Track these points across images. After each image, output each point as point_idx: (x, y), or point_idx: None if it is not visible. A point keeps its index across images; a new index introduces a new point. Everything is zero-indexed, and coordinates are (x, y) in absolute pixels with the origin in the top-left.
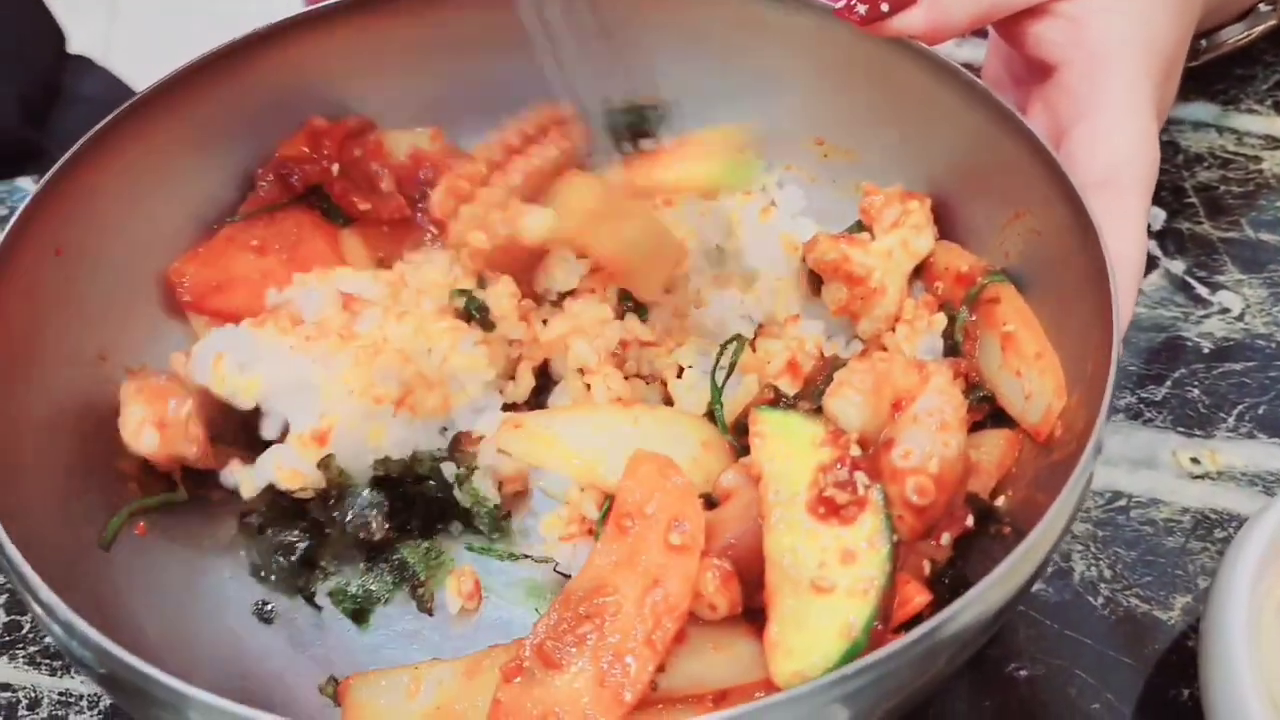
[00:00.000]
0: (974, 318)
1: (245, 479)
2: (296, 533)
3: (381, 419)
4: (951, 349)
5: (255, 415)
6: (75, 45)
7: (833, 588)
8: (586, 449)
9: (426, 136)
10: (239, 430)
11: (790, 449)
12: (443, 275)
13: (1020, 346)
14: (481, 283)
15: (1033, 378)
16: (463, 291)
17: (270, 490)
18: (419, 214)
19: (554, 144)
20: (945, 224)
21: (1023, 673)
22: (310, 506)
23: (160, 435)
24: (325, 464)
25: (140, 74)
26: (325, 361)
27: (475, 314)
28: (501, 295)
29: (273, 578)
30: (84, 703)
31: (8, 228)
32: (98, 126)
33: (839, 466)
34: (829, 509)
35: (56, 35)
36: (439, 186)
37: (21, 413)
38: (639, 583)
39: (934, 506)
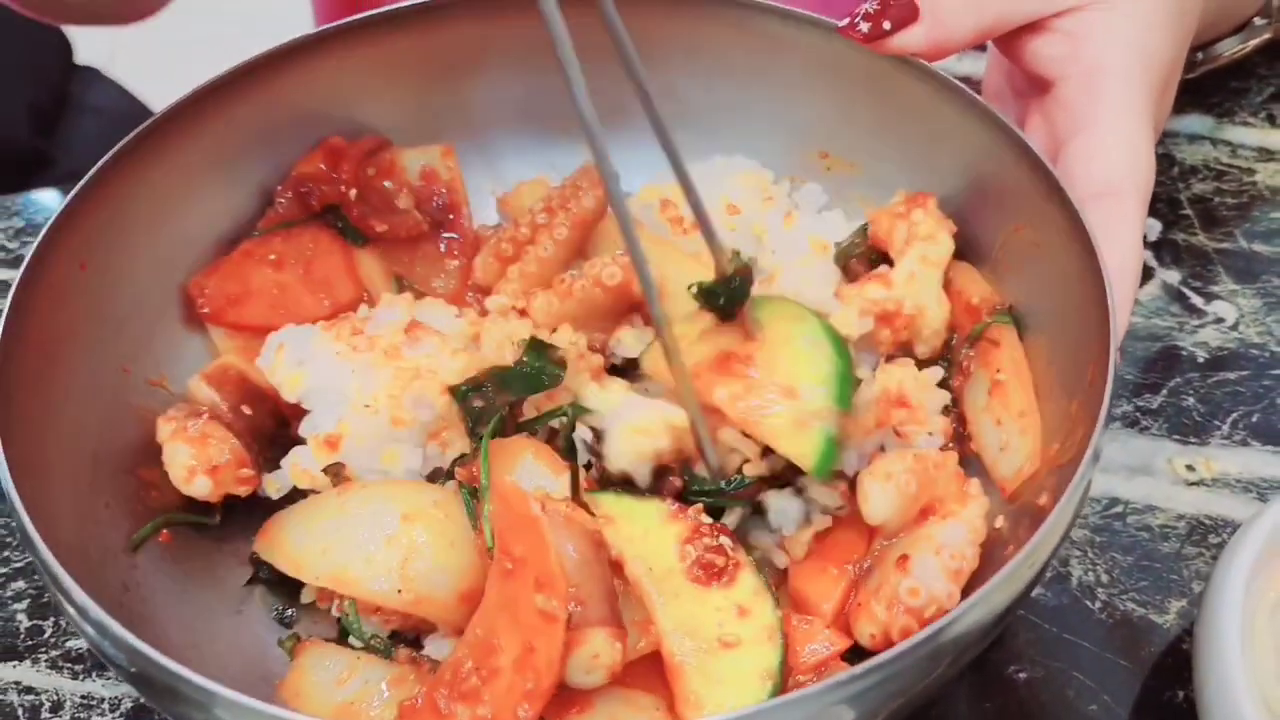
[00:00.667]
0: (972, 352)
1: (271, 481)
2: None
3: (401, 443)
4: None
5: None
6: (80, 56)
7: (738, 641)
8: (300, 546)
9: (438, 154)
10: (269, 446)
11: (643, 528)
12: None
13: (1007, 398)
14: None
15: (1012, 433)
16: (535, 342)
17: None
18: (436, 233)
19: (589, 193)
20: None
21: (1022, 675)
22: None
23: (213, 481)
24: (334, 471)
25: (144, 85)
26: (362, 373)
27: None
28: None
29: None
30: (105, 705)
31: (35, 244)
32: (120, 144)
33: (704, 536)
34: (709, 573)
35: (64, 47)
36: (481, 253)
37: (48, 420)
38: (517, 645)
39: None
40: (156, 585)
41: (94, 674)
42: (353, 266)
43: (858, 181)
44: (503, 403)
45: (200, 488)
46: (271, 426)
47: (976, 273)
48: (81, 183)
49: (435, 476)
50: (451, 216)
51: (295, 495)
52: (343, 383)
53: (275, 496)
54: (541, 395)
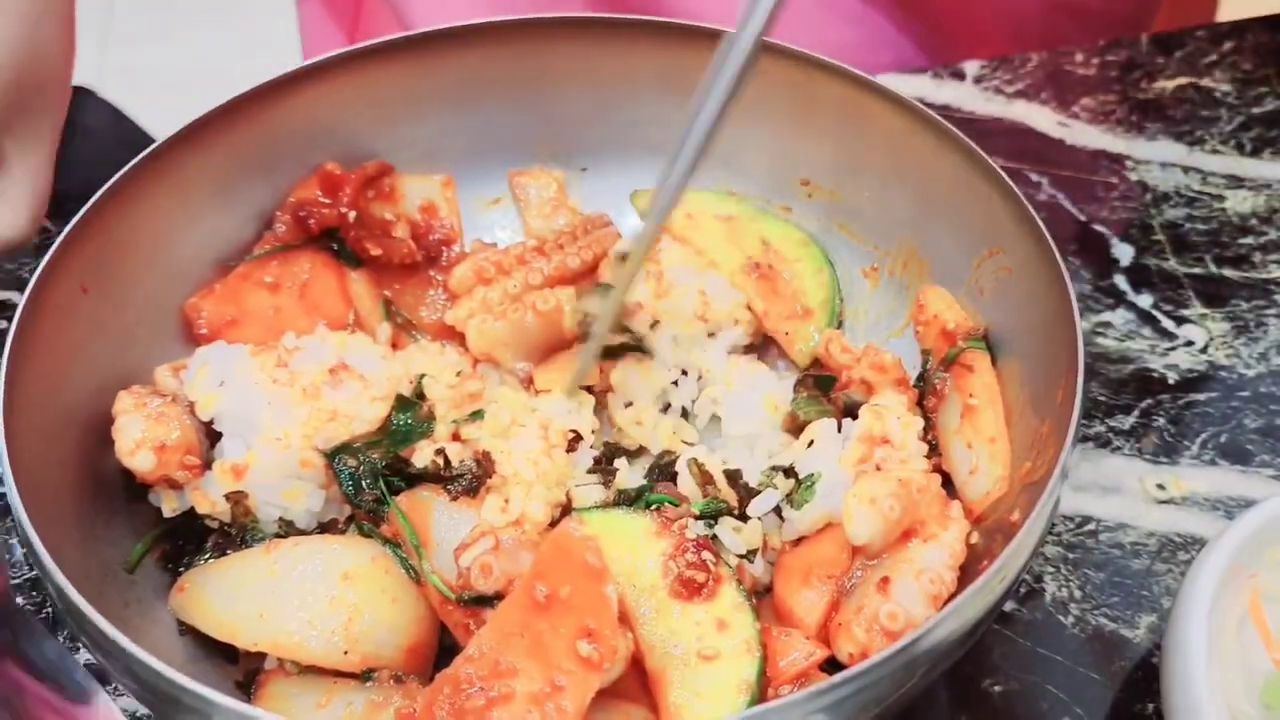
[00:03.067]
0: (946, 376)
1: (168, 498)
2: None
3: (303, 482)
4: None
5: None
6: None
7: (717, 654)
8: (230, 610)
9: (438, 185)
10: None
11: (628, 546)
12: (448, 372)
13: (979, 423)
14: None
15: (982, 457)
16: (401, 399)
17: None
18: (429, 265)
19: (579, 254)
20: (925, 259)
21: (997, 688)
22: (213, 536)
23: (157, 458)
24: (235, 498)
25: (133, 104)
26: (278, 405)
27: (408, 417)
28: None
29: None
30: None
31: (39, 268)
32: (121, 172)
33: (686, 552)
34: (690, 589)
35: None
36: (465, 263)
37: (53, 440)
38: (538, 679)
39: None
40: (155, 601)
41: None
42: (345, 291)
43: (839, 209)
44: (380, 456)
45: (143, 462)
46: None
47: (951, 297)
48: (84, 208)
49: (330, 526)
50: (445, 250)
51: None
52: (257, 412)
53: (168, 514)
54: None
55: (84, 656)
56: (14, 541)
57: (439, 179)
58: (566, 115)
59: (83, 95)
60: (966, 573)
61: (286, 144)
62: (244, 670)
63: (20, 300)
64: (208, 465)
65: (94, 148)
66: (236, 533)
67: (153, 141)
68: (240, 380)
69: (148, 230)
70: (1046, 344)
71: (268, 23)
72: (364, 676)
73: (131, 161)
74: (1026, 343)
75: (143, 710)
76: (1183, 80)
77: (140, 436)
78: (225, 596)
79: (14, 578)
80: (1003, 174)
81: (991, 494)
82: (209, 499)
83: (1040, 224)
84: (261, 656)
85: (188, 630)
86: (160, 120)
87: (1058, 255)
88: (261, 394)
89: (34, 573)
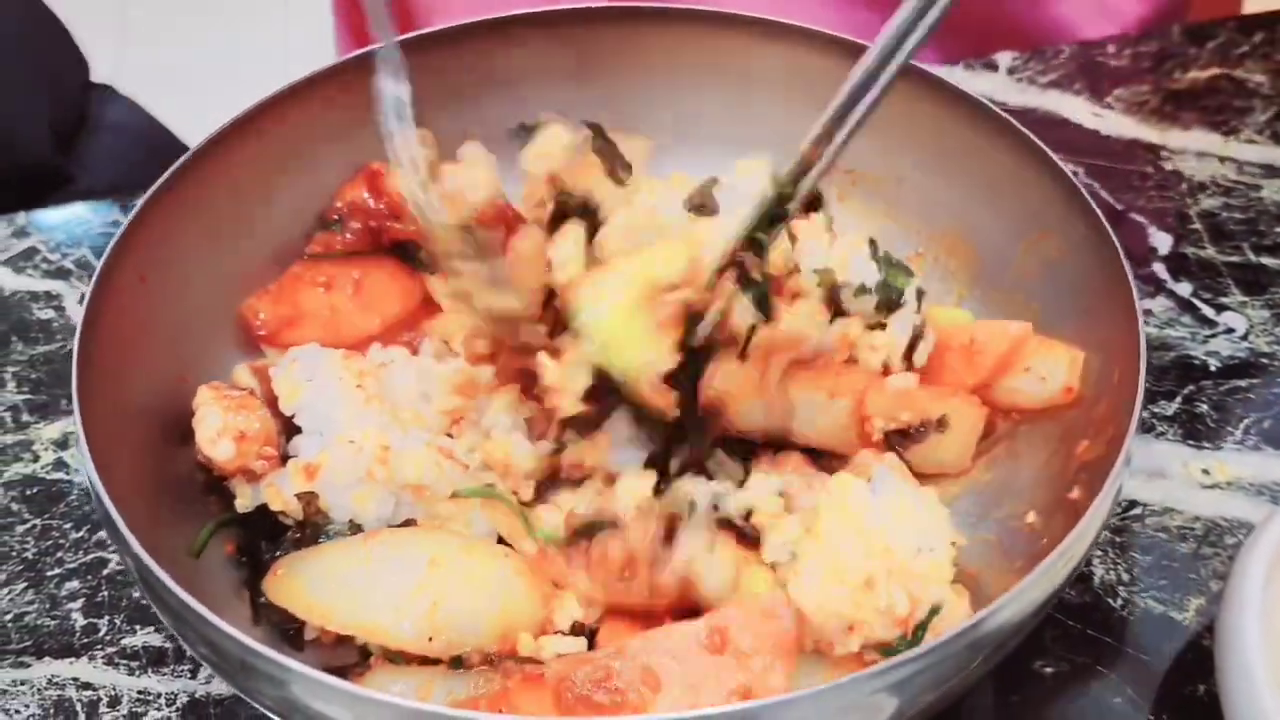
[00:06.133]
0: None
1: (242, 492)
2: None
3: (372, 488)
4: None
5: None
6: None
7: None
8: (323, 595)
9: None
10: None
11: None
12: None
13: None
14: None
15: (1041, 360)
16: None
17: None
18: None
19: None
20: (970, 244)
21: (1048, 669)
22: (289, 533)
23: (236, 448)
24: (306, 498)
25: (152, 100)
26: (356, 409)
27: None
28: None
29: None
30: (162, 700)
31: (105, 255)
32: (176, 165)
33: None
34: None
35: (82, 65)
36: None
37: (120, 425)
38: (678, 705)
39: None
40: (222, 591)
41: (150, 670)
42: (400, 287)
43: (883, 195)
44: None
45: (223, 450)
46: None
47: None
48: (140, 200)
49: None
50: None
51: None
52: (336, 412)
53: (241, 509)
54: None
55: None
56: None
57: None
58: (621, 103)
59: (105, 92)
60: (1028, 554)
61: (330, 138)
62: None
63: (85, 288)
64: (285, 459)
65: (118, 145)
66: (310, 531)
67: (174, 138)
68: (326, 379)
69: (200, 222)
70: (1101, 324)
71: (283, 22)
72: (453, 663)
73: (182, 157)
74: (1079, 325)
75: (200, 693)
76: (1215, 71)
77: (221, 426)
78: (319, 581)
79: (68, 561)
80: (1052, 155)
81: (1076, 362)
82: (282, 495)
83: (1092, 203)
84: (333, 650)
85: (262, 620)
86: (178, 117)
87: (1112, 233)
88: (343, 396)
89: (88, 557)
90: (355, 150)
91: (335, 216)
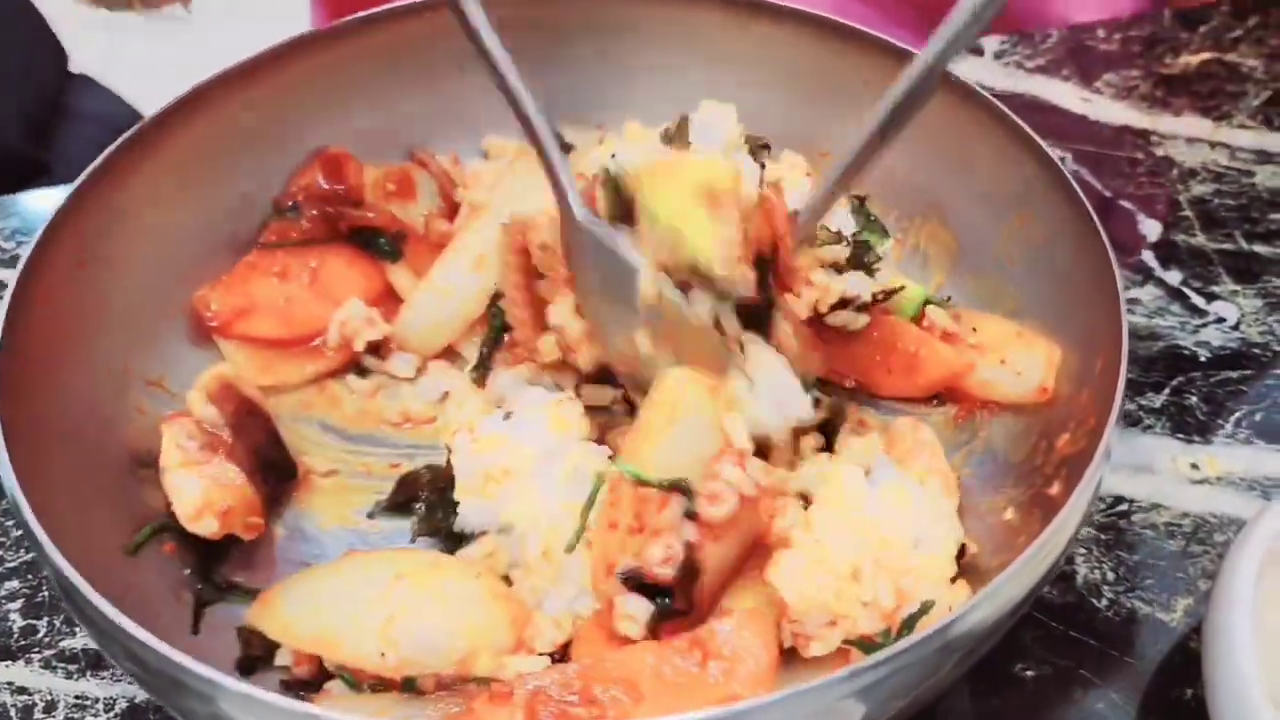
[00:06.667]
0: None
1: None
2: None
3: None
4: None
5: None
6: (76, 65)
7: None
8: (301, 614)
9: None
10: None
11: None
12: None
13: (995, 337)
14: None
15: (1019, 355)
16: None
17: None
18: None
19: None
20: (950, 230)
21: (1029, 673)
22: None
23: (221, 524)
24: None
25: (140, 93)
26: None
27: None
28: None
29: None
30: (99, 705)
31: (35, 239)
32: (117, 142)
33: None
34: None
35: (59, 54)
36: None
37: (50, 418)
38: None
39: None
40: (154, 589)
41: (88, 674)
42: (359, 275)
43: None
44: None
45: (207, 527)
46: (269, 450)
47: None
48: (79, 180)
49: None
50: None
51: None
52: None
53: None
54: None
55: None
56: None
57: (448, 158)
58: (584, 80)
59: (85, 83)
60: (1004, 550)
61: (287, 119)
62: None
63: (13, 277)
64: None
65: (97, 135)
66: None
67: None
68: None
69: (145, 204)
70: (1083, 310)
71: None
72: (405, 685)
73: (127, 132)
74: (1061, 310)
75: (140, 698)
76: (1207, 55)
77: (201, 502)
78: (295, 603)
79: (9, 560)
80: (1032, 134)
81: (1053, 359)
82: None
83: (1075, 185)
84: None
85: (202, 631)
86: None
87: (1094, 216)
88: None
89: (30, 555)
90: (314, 133)
91: (290, 203)
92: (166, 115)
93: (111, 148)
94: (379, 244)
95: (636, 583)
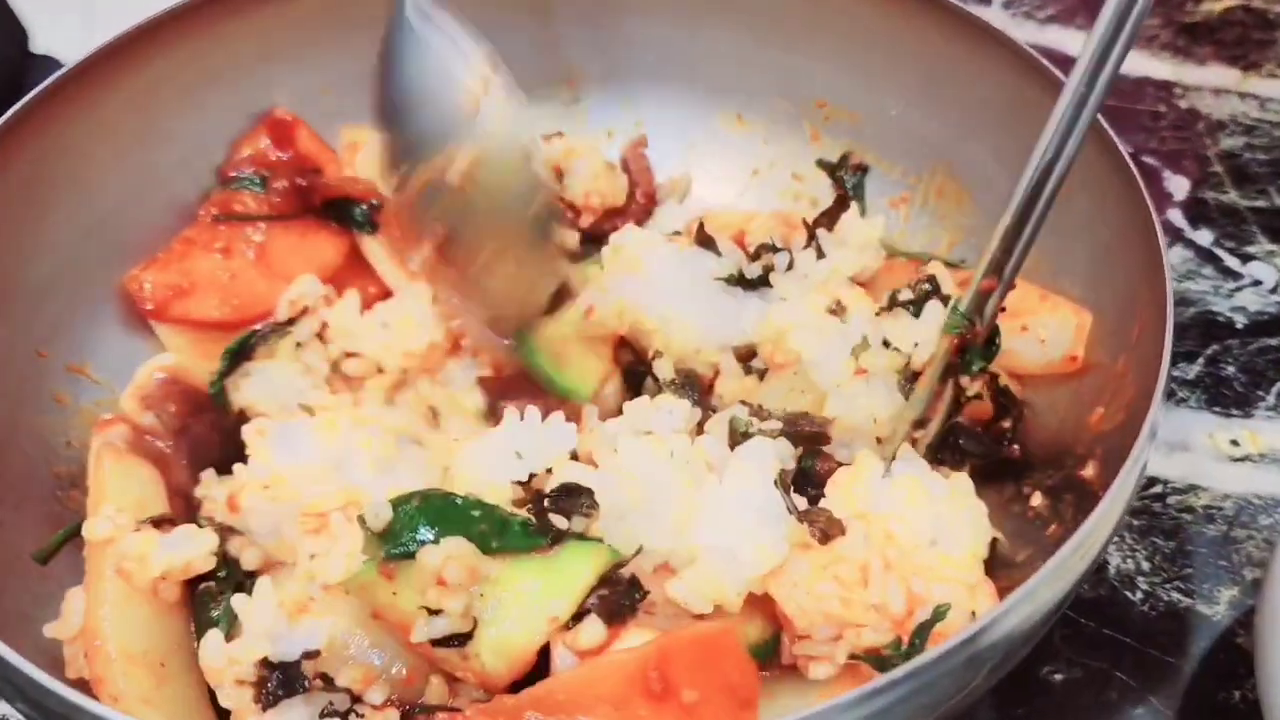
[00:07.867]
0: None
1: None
2: None
3: None
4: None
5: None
6: (51, 49)
7: None
8: None
9: None
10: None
11: None
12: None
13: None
14: None
15: (1043, 321)
16: None
17: None
18: None
19: None
20: (963, 185)
21: (1057, 676)
22: None
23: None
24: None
25: None
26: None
27: None
28: None
29: None
30: None
31: None
32: (31, 95)
33: None
34: None
35: (19, 33)
36: None
37: None
38: None
39: None
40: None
41: None
42: (312, 248)
43: (861, 132)
44: None
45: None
46: (215, 441)
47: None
48: None
49: None
50: None
51: None
52: None
53: None
54: None
55: None
56: None
57: None
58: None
59: (47, 63)
60: (1031, 543)
61: (226, 74)
62: None
63: None
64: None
65: None
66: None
67: None
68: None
69: (65, 167)
70: (1118, 271)
71: None
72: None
73: (39, 86)
74: (1091, 271)
75: None
76: (1232, 2)
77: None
78: None
79: None
80: (1058, 73)
81: (1083, 326)
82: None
83: (1111, 131)
84: None
85: None
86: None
87: (1132, 166)
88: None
89: None
90: (258, 94)
91: (234, 174)
92: (89, 66)
93: (22, 102)
94: (353, 215)
95: None
